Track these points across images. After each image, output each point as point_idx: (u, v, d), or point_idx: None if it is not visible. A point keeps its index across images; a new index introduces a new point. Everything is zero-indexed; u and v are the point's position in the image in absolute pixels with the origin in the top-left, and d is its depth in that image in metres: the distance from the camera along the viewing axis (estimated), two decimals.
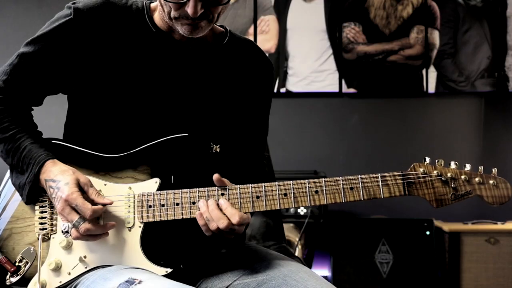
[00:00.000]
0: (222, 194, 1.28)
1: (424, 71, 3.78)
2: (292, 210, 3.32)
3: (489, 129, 3.77)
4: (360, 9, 3.81)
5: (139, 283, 1.16)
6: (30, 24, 3.80)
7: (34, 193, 1.36)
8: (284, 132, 3.78)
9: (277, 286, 1.26)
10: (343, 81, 3.81)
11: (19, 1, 3.93)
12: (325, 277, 3.20)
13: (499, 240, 3.34)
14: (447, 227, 3.41)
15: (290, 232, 3.14)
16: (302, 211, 3.31)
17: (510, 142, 3.78)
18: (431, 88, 3.78)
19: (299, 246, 3.07)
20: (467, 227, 3.41)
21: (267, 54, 3.82)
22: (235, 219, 1.24)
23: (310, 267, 3.08)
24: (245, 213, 1.27)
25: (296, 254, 2.90)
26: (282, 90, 3.85)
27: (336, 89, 3.82)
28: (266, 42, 3.83)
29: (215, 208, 1.26)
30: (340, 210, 3.71)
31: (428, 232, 3.26)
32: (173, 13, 1.31)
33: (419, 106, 3.83)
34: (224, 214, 1.25)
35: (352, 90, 3.83)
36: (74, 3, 1.39)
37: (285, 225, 2.93)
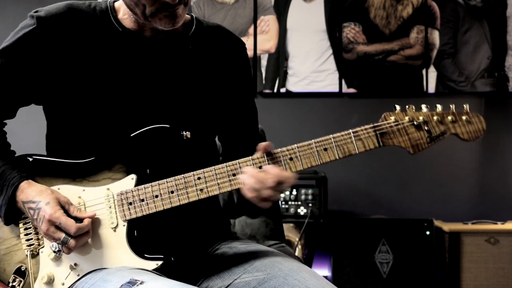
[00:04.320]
0: (199, 178, 1.28)
1: (424, 71, 3.78)
2: (292, 210, 3.32)
3: (489, 129, 3.75)
4: (360, 9, 3.81)
5: (141, 283, 1.16)
6: None
7: (12, 214, 1.35)
8: (283, 132, 3.78)
9: (278, 285, 1.25)
10: (343, 81, 3.81)
11: (19, 1, 3.92)
12: (325, 277, 3.20)
13: (499, 240, 3.33)
14: (447, 227, 3.41)
15: (290, 232, 3.14)
16: (302, 211, 3.31)
17: (510, 142, 3.78)
18: (431, 88, 3.78)
19: (299, 246, 3.07)
20: (467, 227, 3.41)
21: (267, 54, 3.83)
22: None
23: (310, 267, 3.07)
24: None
25: (296, 254, 2.90)
26: (282, 90, 3.85)
27: (336, 89, 3.82)
28: (266, 42, 3.83)
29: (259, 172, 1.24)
30: (340, 210, 3.71)
31: (428, 232, 3.26)
32: (148, 10, 1.29)
33: (419, 106, 3.82)
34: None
35: (352, 90, 3.83)
36: (36, 12, 1.37)
37: (285, 225, 2.93)
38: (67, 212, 1.29)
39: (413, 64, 3.79)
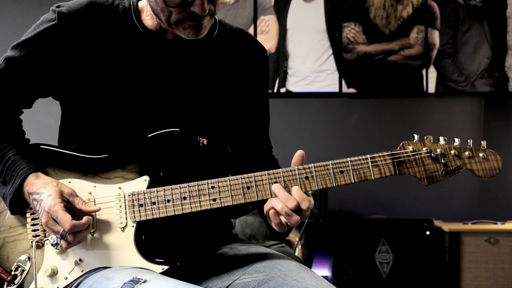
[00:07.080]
0: (213, 187, 1.27)
1: (424, 71, 3.78)
2: None
3: (489, 129, 3.77)
4: (360, 9, 3.81)
5: (144, 282, 1.16)
6: (30, 24, 3.78)
7: (17, 204, 1.34)
8: (284, 132, 3.78)
9: (277, 286, 1.25)
10: (343, 81, 3.81)
11: (19, 1, 3.93)
12: (325, 277, 3.20)
13: (499, 240, 3.34)
14: (447, 227, 3.41)
15: (290, 232, 3.14)
16: None
17: (510, 142, 3.77)
18: (431, 88, 3.78)
19: (299, 246, 3.07)
20: (467, 227, 3.41)
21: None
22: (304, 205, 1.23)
23: (310, 267, 3.08)
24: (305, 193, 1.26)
25: (296, 254, 2.90)
26: (282, 90, 3.85)
27: (336, 89, 3.82)
28: (266, 42, 3.83)
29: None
30: (340, 210, 3.71)
31: (428, 232, 3.26)
32: (174, 17, 1.28)
33: (419, 106, 3.83)
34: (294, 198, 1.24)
35: (352, 90, 3.83)
36: (58, 6, 1.37)
37: None
38: (72, 204, 1.28)
39: (413, 64, 3.79)
